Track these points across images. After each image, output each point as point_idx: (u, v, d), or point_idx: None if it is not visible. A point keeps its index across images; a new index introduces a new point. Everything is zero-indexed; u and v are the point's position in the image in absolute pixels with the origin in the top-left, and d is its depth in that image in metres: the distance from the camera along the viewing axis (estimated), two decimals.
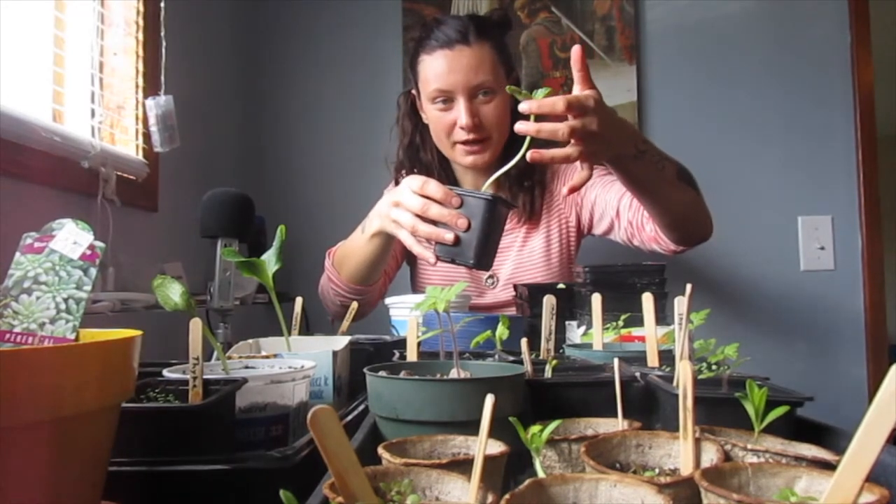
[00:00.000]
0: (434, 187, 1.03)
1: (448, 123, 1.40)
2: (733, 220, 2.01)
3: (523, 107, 0.95)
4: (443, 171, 1.52)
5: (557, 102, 0.93)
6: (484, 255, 0.99)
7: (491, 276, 1.53)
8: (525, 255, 1.51)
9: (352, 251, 1.28)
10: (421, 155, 1.52)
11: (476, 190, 1.04)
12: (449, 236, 1.00)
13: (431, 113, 1.44)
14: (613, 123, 1.02)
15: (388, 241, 1.22)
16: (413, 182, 1.06)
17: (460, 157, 1.45)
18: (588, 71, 1.00)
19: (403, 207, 1.07)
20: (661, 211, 1.22)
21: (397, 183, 1.58)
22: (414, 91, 1.50)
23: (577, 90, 1.00)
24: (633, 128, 1.12)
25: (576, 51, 0.99)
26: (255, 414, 0.64)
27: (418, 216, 1.04)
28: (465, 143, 1.40)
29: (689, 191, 1.21)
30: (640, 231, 1.35)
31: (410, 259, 1.62)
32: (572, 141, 0.96)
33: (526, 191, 1.50)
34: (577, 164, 1.47)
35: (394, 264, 1.55)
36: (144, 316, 1.21)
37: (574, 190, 1.02)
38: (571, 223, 1.52)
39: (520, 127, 0.95)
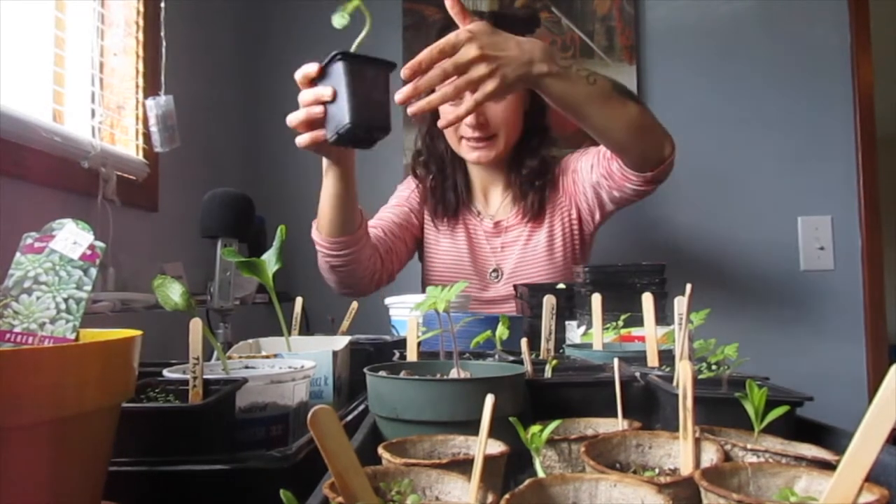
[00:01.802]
0: (299, 71, 1.03)
1: None
2: (733, 220, 2.01)
3: (403, 73, 0.96)
4: (456, 160, 1.56)
5: (431, 52, 0.96)
6: (358, 114, 0.92)
7: (495, 270, 1.54)
8: (529, 250, 1.52)
9: (321, 203, 1.25)
10: (437, 143, 1.55)
11: None
12: (316, 109, 0.98)
13: (441, 107, 1.44)
14: (506, 46, 1.01)
15: (341, 170, 1.17)
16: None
17: (466, 153, 1.47)
18: (462, 6, 1.01)
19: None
20: (606, 130, 1.17)
21: (414, 170, 1.61)
22: None
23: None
24: (549, 47, 1.07)
25: None
26: (255, 414, 0.64)
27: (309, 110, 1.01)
28: (470, 139, 1.42)
29: (630, 104, 1.16)
30: (612, 176, 1.32)
31: (421, 254, 1.62)
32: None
33: (536, 190, 1.51)
34: (583, 151, 1.43)
35: (403, 247, 1.53)
36: (144, 316, 1.21)
37: (449, 123, 1.03)
38: (573, 216, 1.52)
39: (412, 110, 0.99)
